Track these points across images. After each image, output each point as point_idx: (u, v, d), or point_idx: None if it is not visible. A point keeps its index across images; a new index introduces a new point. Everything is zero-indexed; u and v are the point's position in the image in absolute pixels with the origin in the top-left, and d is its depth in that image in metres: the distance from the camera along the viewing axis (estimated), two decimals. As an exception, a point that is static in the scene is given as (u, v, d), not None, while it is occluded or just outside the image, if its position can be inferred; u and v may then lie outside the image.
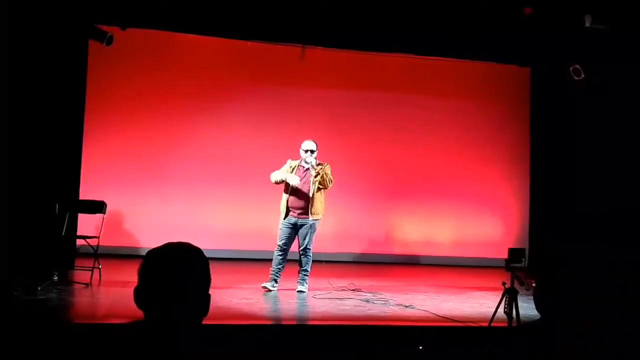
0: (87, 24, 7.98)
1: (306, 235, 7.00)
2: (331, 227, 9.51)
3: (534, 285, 3.32)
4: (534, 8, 7.88)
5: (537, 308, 2.95)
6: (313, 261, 7.13)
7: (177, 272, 1.88)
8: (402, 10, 8.19)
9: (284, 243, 7.00)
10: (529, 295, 5.25)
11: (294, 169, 7.07)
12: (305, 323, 5.96)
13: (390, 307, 6.44)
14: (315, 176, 6.97)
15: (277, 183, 7.09)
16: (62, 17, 7.65)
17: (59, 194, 7.75)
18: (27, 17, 7.17)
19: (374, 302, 6.65)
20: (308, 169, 7.06)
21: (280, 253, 6.98)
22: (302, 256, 7.09)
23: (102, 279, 7.14)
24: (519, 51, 9.21)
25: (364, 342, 5.09)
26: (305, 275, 7.05)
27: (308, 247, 7.02)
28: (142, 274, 1.89)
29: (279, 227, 7.04)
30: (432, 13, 8.19)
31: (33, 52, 7.50)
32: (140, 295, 1.88)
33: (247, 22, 8.37)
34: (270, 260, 7.06)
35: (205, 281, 1.95)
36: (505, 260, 5.33)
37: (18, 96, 6.77)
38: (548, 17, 8.04)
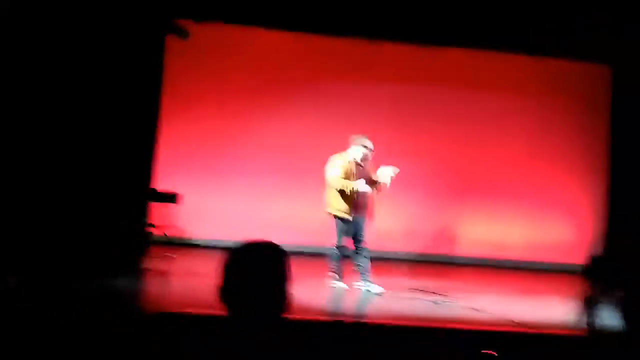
0: (165, 18, 8.16)
1: (363, 228, 6.88)
2: (398, 225, 9.41)
3: (619, 294, 3.18)
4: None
5: (623, 318, 2.82)
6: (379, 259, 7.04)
7: (261, 270, 1.90)
8: (475, 4, 8.04)
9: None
10: (610, 304, 5.05)
11: (351, 165, 6.88)
12: (371, 321, 5.92)
13: (460, 309, 6.32)
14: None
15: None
16: (141, 11, 7.85)
17: (135, 184, 7.97)
18: (108, 10, 7.38)
19: (443, 303, 6.54)
20: (362, 166, 6.92)
21: (342, 251, 6.92)
22: (362, 251, 6.88)
23: (175, 268, 7.28)
24: (599, 48, 8.86)
25: (431, 344, 5.01)
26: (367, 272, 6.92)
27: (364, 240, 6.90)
28: (226, 271, 1.91)
29: (339, 228, 6.84)
30: (508, 8, 8.01)
31: (114, 44, 7.72)
32: (224, 291, 1.90)
33: (318, 16, 8.40)
34: None
35: (286, 279, 1.97)
36: (584, 266, 5.13)
37: (97, 89, 6.99)
38: (632, 13, 7.71)
